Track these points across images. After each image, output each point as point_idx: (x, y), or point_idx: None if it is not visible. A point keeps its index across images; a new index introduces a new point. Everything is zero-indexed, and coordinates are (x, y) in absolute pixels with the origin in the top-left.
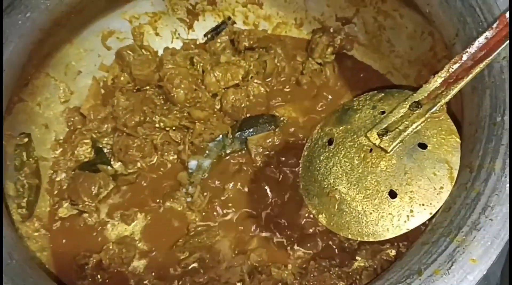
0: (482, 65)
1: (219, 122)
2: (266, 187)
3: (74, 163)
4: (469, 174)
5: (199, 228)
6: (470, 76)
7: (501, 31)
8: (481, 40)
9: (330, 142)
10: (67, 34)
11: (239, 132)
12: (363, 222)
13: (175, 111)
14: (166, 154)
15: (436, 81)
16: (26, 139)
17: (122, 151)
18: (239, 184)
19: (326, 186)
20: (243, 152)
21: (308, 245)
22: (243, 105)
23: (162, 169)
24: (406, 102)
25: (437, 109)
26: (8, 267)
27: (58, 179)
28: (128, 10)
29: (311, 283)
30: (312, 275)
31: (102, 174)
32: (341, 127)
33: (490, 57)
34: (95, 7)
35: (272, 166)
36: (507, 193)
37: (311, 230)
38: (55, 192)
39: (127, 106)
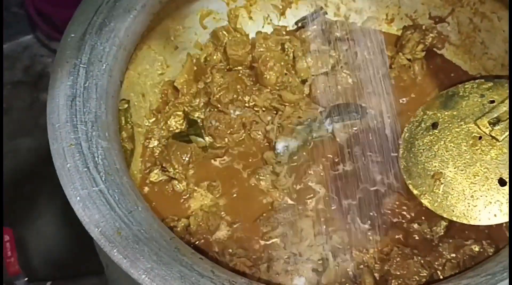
0: None
1: (308, 107)
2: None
3: (166, 132)
4: None
5: (283, 205)
6: None
7: None
8: None
9: (434, 126)
10: (171, 9)
11: (327, 118)
12: (469, 206)
13: (266, 93)
14: (254, 132)
15: None
16: (126, 106)
17: (213, 125)
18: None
19: (430, 168)
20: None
21: (391, 232)
22: (332, 93)
23: (249, 147)
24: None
25: None
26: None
27: (151, 145)
28: None
29: (394, 268)
30: (395, 260)
31: (193, 145)
32: (446, 112)
33: None
34: None
35: (357, 154)
36: None
37: (395, 219)
38: (147, 158)
39: (221, 84)
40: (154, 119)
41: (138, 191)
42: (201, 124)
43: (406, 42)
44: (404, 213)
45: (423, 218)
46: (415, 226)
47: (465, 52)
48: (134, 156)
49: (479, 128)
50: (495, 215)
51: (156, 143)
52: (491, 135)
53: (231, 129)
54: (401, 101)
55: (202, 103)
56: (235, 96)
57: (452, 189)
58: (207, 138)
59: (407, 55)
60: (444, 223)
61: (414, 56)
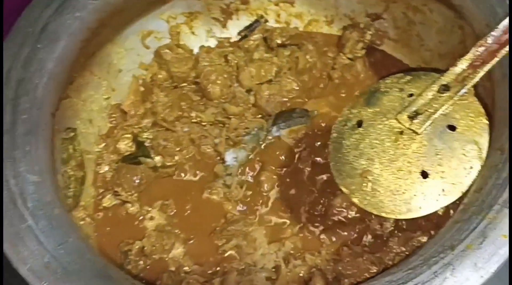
0: (507, 48)
1: (254, 117)
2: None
3: (116, 156)
4: (500, 156)
5: (236, 217)
6: (496, 59)
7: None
8: (505, 23)
9: (359, 124)
10: (109, 34)
11: (273, 126)
12: (396, 201)
13: (211, 107)
14: (203, 146)
15: (462, 64)
16: (72, 134)
17: (161, 144)
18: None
19: (358, 166)
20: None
21: (341, 232)
22: (276, 100)
23: (199, 162)
24: (434, 85)
25: (465, 91)
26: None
27: (101, 171)
28: (166, 11)
29: (345, 268)
30: (346, 260)
31: (143, 167)
32: (369, 110)
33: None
34: (135, 8)
35: (304, 157)
36: None
37: (343, 218)
38: (99, 184)
39: (166, 102)
40: (103, 144)
41: (71, 221)
42: (150, 144)
43: (346, 42)
44: (353, 212)
45: (372, 215)
46: (363, 224)
47: (403, 46)
48: (85, 183)
49: (400, 123)
50: (420, 207)
51: (107, 168)
52: (410, 129)
53: (180, 146)
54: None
55: (150, 124)
56: (180, 113)
57: (380, 186)
58: (157, 158)
59: (348, 55)
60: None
61: (355, 55)
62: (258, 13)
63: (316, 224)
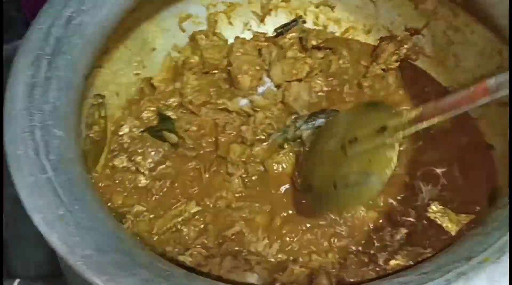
0: (453, 112)
1: (280, 113)
2: None
3: (139, 123)
4: None
5: (242, 203)
6: (438, 117)
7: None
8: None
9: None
10: (148, 11)
11: (303, 124)
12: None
13: (238, 97)
14: (227, 132)
15: (407, 116)
16: (100, 100)
17: (184, 127)
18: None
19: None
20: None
21: (351, 239)
22: (304, 99)
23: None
24: (377, 125)
25: (394, 140)
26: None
27: (121, 132)
28: None
29: (348, 276)
30: (351, 267)
31: (168, 145)
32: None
33: (466, 107)
34: None
35: None
36: None
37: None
38: (114, 145)
39: (195, 86)
40: (127, 110)
41: (91, 182)
42: (173, 123)
43: (381, 53)
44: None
45: (383, 225)
46: (374, 233)
47: (438, 64)
48: (104, 149)
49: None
50: None
51: (127, 130)
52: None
53: (203, 131)
54: None
55: (176, 103)
56: (207, 99)
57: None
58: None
59: (381, 65)
60: (404, 231)
61: (388, 66)
62: (297, 12)
63: (327, 227)
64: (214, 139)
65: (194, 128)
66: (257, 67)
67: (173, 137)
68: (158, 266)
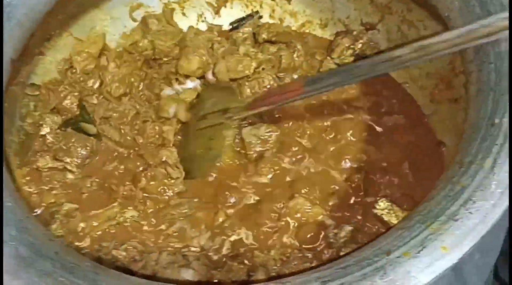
0: (275, 105)
1: None
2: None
3: (59, 118)
4: (458, 169)
5: (180, 200)
6: (264, 107)
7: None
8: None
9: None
10: None
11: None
12: None
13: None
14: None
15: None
16: (37, 93)
17: (103, 115)
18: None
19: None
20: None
21: (294, 235)
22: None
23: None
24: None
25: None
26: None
27: (42, 133)
28: None
29: (290, 270)
30: (293, 263)
31: (93, 140)
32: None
33: (283, 101)
34: None
35: None
36: (493, 190)
37: (297, 221)
38: (36, 144)
39: (114, 75)
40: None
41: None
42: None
43: (336, 47)
44: (309, 215)
45: (328, 222)
46: (319, 229)
47: None
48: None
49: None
50: None
51: (47, 129)
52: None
53: (124, 119)
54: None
55: (96, 85)
56: (128, 90)
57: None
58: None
59: (335, 60)
60: (348, 228)
61: (342, 61)
62: (253, 4)
63: (272, 224)
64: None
65: (115, 117)
66: (204, 59)
67: (91, 128)
68: (64, 258)
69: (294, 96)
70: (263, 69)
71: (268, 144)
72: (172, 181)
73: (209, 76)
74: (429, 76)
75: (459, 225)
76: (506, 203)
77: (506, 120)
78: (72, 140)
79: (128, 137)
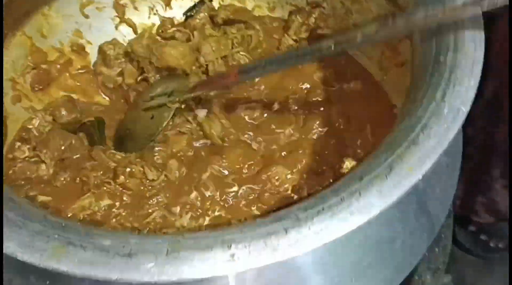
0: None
1: None
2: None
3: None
4: (413, 104)
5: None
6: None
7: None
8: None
9: None
10: None
11: None
12: None
13: None
14: None
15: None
16: None
17: None
18: None
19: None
20: None
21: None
22: None
23: None
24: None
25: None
26: None
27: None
28: None
29: None
30: None
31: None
32: None
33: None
34: None
35: None
36: (445, 115)
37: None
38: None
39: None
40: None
41: None
42: None
43: (291, 24)
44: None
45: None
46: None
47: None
48: None
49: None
50: None
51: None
52: None
53: None
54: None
55: None
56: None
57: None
58: None
59: (292, 36)
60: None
61: (299, 36)
62: None
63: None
64: None
65: None
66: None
67: None
68: (53, 219)
69: (230, 82)
70: (237, 51)
71: None
72: (148, 181)
73: None
74: (374, 45)
75: (420, 148)
76: (458, 125)
77: (449, 57)
78: (56, 138)
79: None
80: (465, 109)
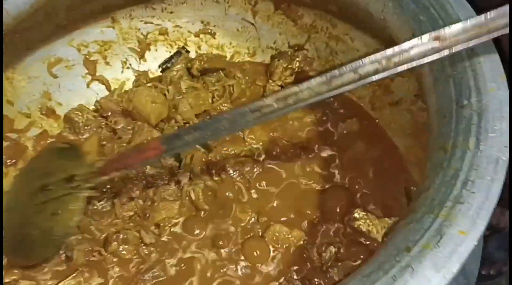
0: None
1: None
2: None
3: None
4: (444, 154)
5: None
6: (116, 173)
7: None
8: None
9: None
10: (10, 57)
11: None
12: None
13: None
14: None
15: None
16: None
17: None
18: None
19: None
20: None
21: (278, 263)
22: None
23: None
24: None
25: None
26: None
27: None
28: (76, 38)
29: None
30: None
31: None
32: None
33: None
34: (40, 31)
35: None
36: (485, 167)
37: (277, 250)
38: None
39: None
40: None
41: None
42: None
43: (275, 69)
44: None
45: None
46: (302, 253)
47: None
48: None
49: None
50: None
51: None
52: None
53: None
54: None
55: None
56: None
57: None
58: None
59: (277, 82)
60: (333, 249)
61: (284, 81)
62: (178, 44)
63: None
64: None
65: None
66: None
67: None
68: None
69: (153, 156)
70: (217, 101)
71: None
72: (144, 247)
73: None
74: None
75: (467, 207)
76: (502, 176)
77: (473, 100)
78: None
79: None
80: (504, 158)
